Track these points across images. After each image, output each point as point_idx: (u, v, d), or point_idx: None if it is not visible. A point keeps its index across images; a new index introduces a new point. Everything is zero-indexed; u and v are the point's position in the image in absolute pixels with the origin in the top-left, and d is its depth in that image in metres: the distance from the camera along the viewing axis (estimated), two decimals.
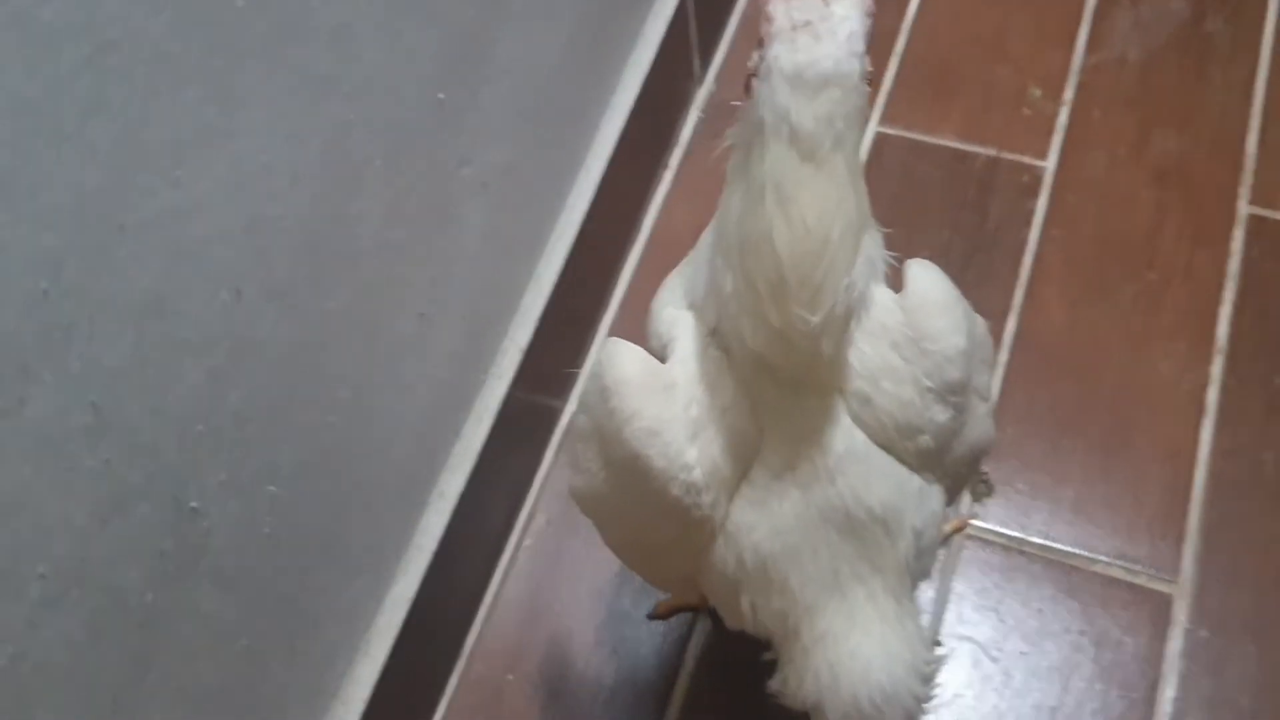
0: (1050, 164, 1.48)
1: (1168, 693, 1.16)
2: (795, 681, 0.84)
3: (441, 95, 0.94)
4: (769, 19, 0.69)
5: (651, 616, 1.23)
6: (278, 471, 0.86)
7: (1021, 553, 1.23)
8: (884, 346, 0.79)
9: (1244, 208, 1.43)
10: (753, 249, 0.73)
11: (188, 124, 0.68)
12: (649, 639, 1.23)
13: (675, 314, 0.84)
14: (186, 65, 0.66)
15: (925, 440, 0.82)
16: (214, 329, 0.74)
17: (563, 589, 1.26)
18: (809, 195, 0.71)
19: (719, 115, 1.54)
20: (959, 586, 1.22)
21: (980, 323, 0.88)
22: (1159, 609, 1.19)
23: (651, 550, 0.90)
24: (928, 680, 0.85)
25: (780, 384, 0.79)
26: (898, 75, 1.57)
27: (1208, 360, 1.33)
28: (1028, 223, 1.44)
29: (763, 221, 0.72)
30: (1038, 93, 1.53)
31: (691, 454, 0.78)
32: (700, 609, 1.23)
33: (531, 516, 1.30)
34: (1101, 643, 1.18)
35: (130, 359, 0.68)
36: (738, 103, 0.76)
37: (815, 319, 0.72)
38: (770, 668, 0.87)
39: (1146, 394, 1.31)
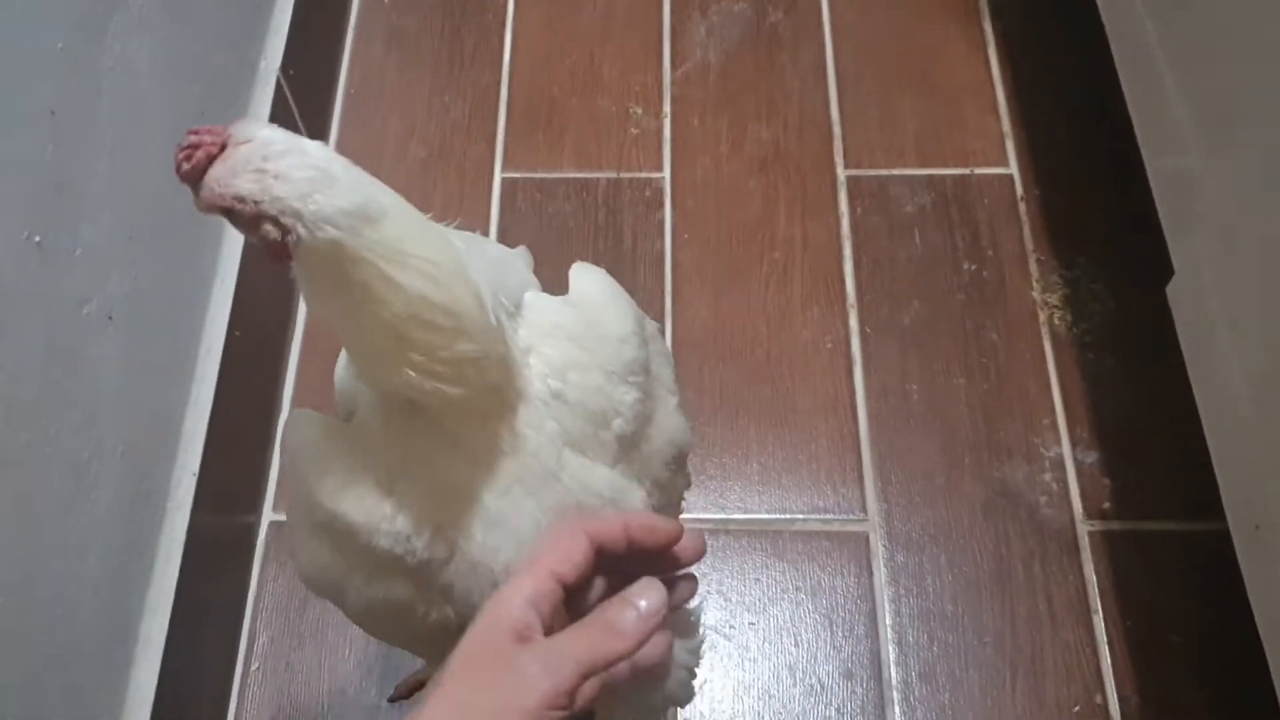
0: (666, 174, 1.58)
1: (886, 619, 1.26)
2: None
3: (38, 238, 0.91)
4: (241, 198, 0.68)
5: (393, 699, 1.22)
6: None
7: (727, 531, 1.31)
8: (564, 343, 0.84)
9: (841, 173, 1.57)
10: (412, 326, 0.73)
11: None
12: None
13: (355, 385, 0.84)
14: None
15: (620, 424, 0.86)
16: None
17: (303, 701, 1.23)
18: (410, 242, 0.72)
19: None
20: None
21: (651, 322, 0.94)
22: (858, 547, 1.30)
23: (397, 614, 0.88)
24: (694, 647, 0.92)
25: (473, 412, 0.81)
26: (508, 124, 1.63)
27: (843, 317, 1.45)
28: (660, 233, 1.53)
29: (404, 296, 0.72)
30: (639, 111, 1.63)
31: (388, 505, 0.80)
32: None
33: (253, 638, 1.26)
34: (817, 592, 1.27)
35: None
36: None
37: (493, 315, 0.76)
38: None
39: (798, 360, 1.42)
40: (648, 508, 0.90)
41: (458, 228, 0.81)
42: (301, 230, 0.69)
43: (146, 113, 1.11)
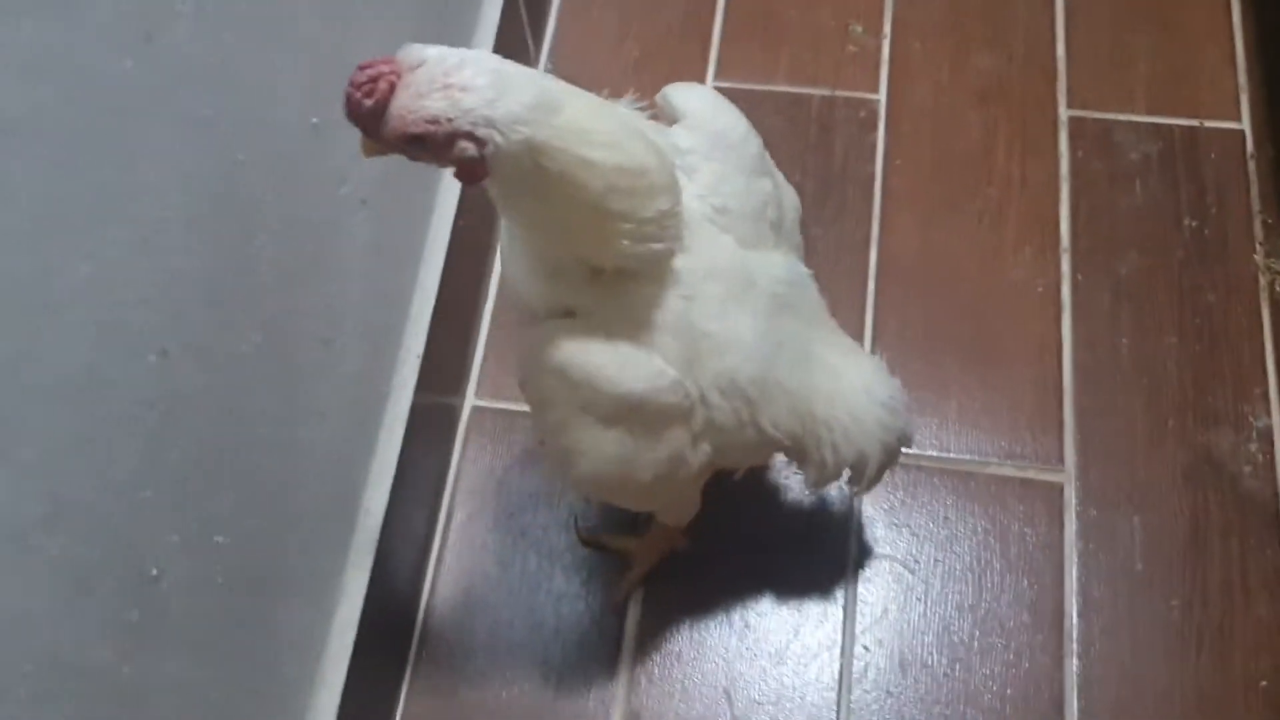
0: (882, 96, 1.55)
1: (1072, 572, 1.25)
2: (832, 455, 0.97)
3: (315, 119, 0.94)
4: (433, 121, 0.70)
5: (615, 608, 1.26)
6: (220, 521, 0.85)
7: (919, 468, 1.31)
8: (704, 164, 0.91)
9: (1063, 112, 1.52)
10: (612, 196, 0.78)
11: (90, 192, 0.66)
12: (588, 613, 1.26)
13: (555, 285, 0.87)
14: (82, 133, 0.65)
15: (771, 212, 0.95)
16: (147, 393, 0.73)
17: (494, 580, 1.28)
18: (587, 119, 0.77)
19: None
20: (869, 510, 1.29)
21: None
22: (1051, 498, 1.29)
23: (674, 470, 0.94)
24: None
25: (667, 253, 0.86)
26: (724, 30, 1.61)
27: (1056, 261, 1.42)
28: (871, 156, 1.51)
29: (599, 172, 0.76)
30: (859, 29, 1.60)
31: (656, 361, 0.86)
32: (653, 566, 1.26)
33: (450, 515, 1.31)
34: (1006, 538, 1.27)
35: (74, 438, 0.67)
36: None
37: (674, 167, 0.84)
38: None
39: (1006, 301, 1.40)
40: (809, 271, 1.00)
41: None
42: (497, 137, 0.72)
43: None
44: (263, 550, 0.93)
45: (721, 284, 0.89)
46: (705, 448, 0.93)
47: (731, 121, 0.94)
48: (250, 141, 0.84)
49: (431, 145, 0.72)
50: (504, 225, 0.89)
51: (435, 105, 0.70)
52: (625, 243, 0.80)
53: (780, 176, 1.01)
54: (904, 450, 1.03)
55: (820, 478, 0.99)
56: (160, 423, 0.75)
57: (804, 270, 0.99)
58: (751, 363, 0.90)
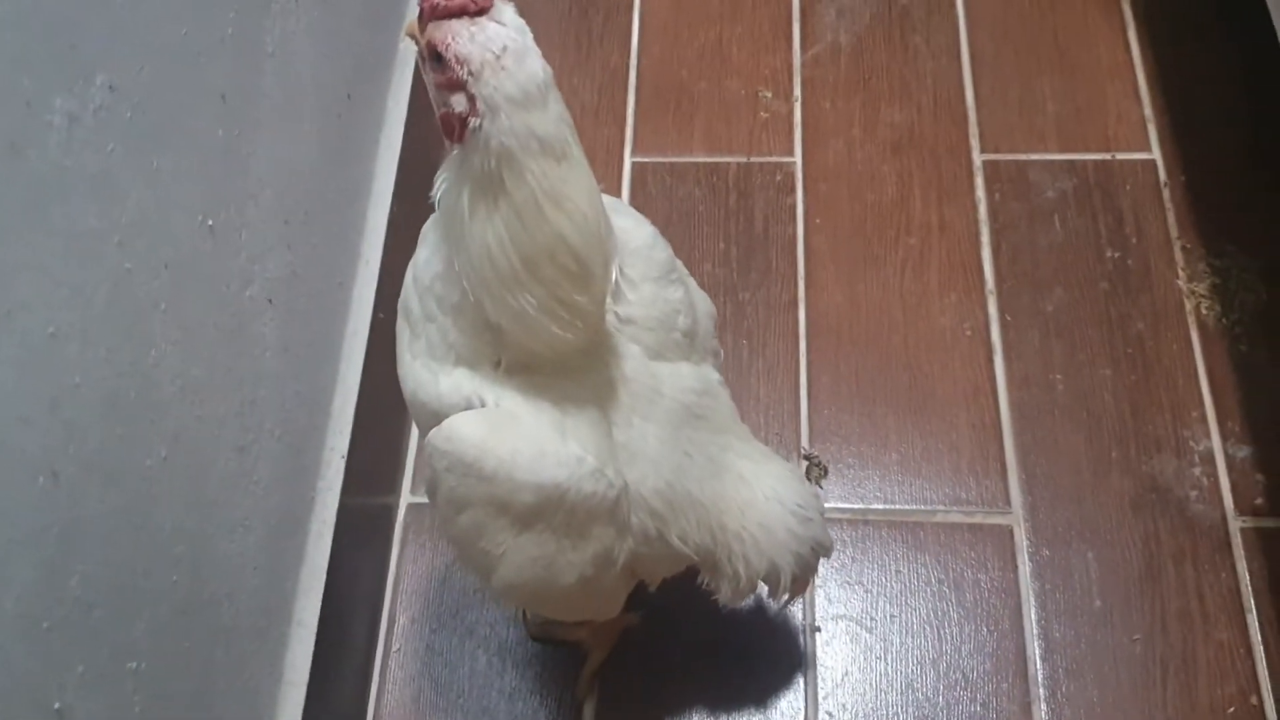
0: (797, 158, 1.56)
1: (1031, 615, 1.23)
2: (744, 567, 0.94)
3: (210, 222, 0.92)
4: (461, 60, 0.71)
5: (581, 695, 1.22)
6: (135, 646, 0.81)
7: (866, 522, 1.29)
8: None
9: (977, 157, 1.54)
10: (545, 259, 0.77)
11: None
12: (544, 709, 1.22)
13: (458, 376, 0.85)
14: None
15: (682, 321, 0.93)
16: (38, 517, 0.70)
17: (443, 684, 1.23)
18: (574, 189, 0.76)
19: None
20: (821, 570, 1.26)
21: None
22: (1002, 540, 1.27)
23: (603, 570, 0.90)
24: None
25: (578, 361, 0.85)
26: (637, 107, 1.62)
27: (982, 303, 1.42)
28: (791, 218, 1.51)
29: (547, 231, 0.76)
30: (769, 95, 1.61)
31: (573, 447, 0.83)
32: (609, 651, 1.22)
33: (393, 619, 1.27)
34: (960, 585, 1.25)
35: None
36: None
37: (610, 284, 0.82)
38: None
39: (937, 347, 1.39)
40: (721, 378, 0.98)
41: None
42: (488, 124, 0.72)
43: (301, 93, 1.12)
44: (186, 672, 0.89)
45: (626, 393, 0.88)
46: (629, 543, 0.90)
47: (634, 228, 0.92)
48: (140, 249, 0.81)
49: (440, 71, 0.73)
50: (400, 339, 0.88)
51: (470, 55, 0.71)
52: (529, 301, 0.78)
53: (694, 283, 0.99)
54: (823, 558, 1.02)
55: (735, 591, 0.96)
56: (57, 548, 0.72)
57: (715, 378, 0.97)
58: (657, 475, 0.89)
